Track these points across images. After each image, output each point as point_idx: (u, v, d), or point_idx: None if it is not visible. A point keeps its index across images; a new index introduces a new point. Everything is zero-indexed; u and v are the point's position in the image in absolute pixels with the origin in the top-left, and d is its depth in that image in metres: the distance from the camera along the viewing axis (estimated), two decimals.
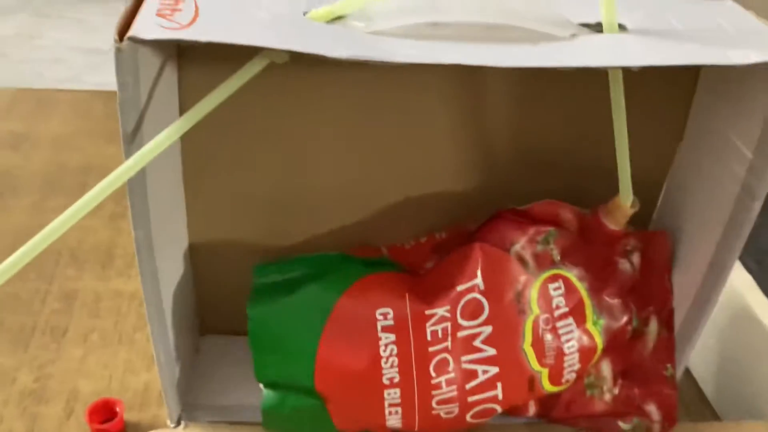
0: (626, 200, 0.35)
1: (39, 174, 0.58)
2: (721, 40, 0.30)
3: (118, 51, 0.25)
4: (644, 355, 0.38)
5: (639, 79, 0.29)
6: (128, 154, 0.27)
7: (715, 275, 0.36)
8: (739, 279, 0.42)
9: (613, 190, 0.36)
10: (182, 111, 0.33)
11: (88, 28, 2.19)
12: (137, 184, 0.29)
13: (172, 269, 0.36)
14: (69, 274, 0.49)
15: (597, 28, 0.30)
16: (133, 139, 0.27)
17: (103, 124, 0.65)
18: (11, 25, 2.17)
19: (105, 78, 1.91)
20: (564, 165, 0.38)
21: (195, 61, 0.33)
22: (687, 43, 0.29)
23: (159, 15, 0.27)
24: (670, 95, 0.37)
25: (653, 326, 0.38)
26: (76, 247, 0.51)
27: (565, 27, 0.30)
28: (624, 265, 0.38)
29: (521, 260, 0.36)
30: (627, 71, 0.30)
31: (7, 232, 0.52)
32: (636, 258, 0.38)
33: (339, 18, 0.29)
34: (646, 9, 0.32)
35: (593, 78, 0.32)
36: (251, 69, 0.28)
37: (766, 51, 0.29)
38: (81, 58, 2.03)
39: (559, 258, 0.37)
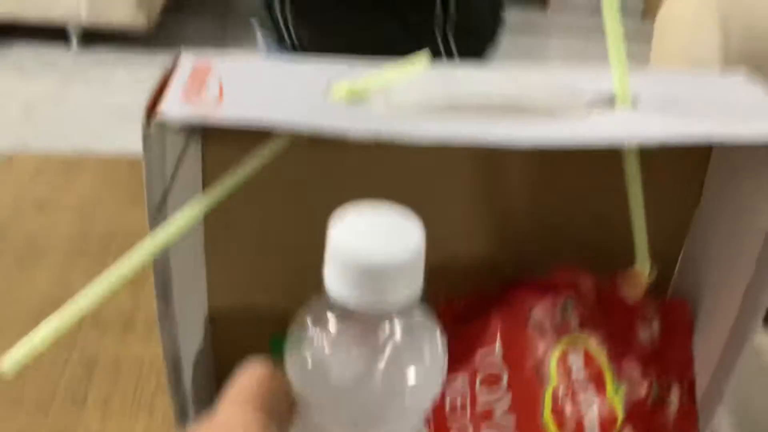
0: (644, 269, 0.35)
1: (64, 239, 0.59)
2: (735, 116, 0.30)
3: (146, 130, 0.26)
4: (666, 425, 0.38)
5: (654, 150, 0.30)
6: (154, 228, 0.28)
7: (737, 344, 0.35)
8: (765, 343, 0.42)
9: (631, 258, 0.36)
10: (205, 184, 0.34)
11: (112, 87, 2.25)
12: (161, 257, 0.29)
13: (191, 337, 0.36)
14: (90, 337, 0.50)
15: (611, 103, 0.31)
16: (158, 214, 0.28)
17: (127, 187, 0.67)
18: (39, 86, 2.24)
19: (129, 135, 1.95)
20: (582, 234, 0.38)
21: (218, 137, 0.34)
22: (701, 119, 0.30)
23: (185, 95, 0.28)
24: (686, 165, 0.37)
25: (675, 396, 0.38)
26: (98, 312, 0.52)
27: (579, 102, 0.30)
28: (644, 333, 0.38)
29: (540, 329, 0.36)
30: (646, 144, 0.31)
31: (32, 297, 0.53)
32: (656, 326, 0.38)
33: (359, 96, 0.30)
34: (659, 84, 0.33)
35: (609, 151, 0.33)
36: (273, 147, 0.29)
37: None
38: (105, 117, 2.08)
39: (578, 326, 0.36)
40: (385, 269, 0.22)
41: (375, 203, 0.24)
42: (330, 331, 0.23)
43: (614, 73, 0.29)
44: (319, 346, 0.23)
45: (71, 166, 0.70)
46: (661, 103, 0.31)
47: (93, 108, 2.14)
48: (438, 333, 0.25)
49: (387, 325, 0.23)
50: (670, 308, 0.38)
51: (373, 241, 0.22)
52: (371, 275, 0.22)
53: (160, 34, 2.53)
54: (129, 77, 2.31)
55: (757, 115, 0.30)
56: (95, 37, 2.44)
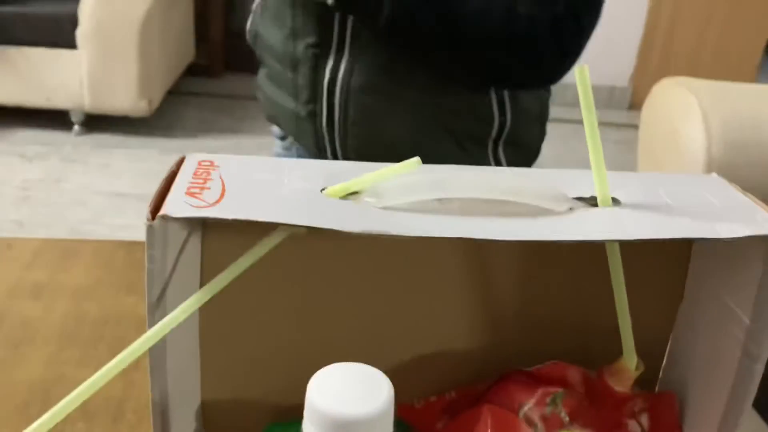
0: (630, 363, 0.36)
1: (57, 325, 0.60)
2: (710, 214, 0.32)
3: (150, 228, 0.27)
4: None
5: (637, 246, 0.31)
6: (152, 322, 0.29)
7: None
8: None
9: (618, 350, 0.37)
10: (203, 278, 0.35)
11: (111, 172, 2.29)
12: (158, 349, 0.30)
13: (184, 426, 0.36)
14: (79, 427, 0.49)
15: (592, 201, 0.32)
16: (157, 307, 0.29)
17: (124, 274, 0.67)
18: (38, 169, 2.27)
19: (125, 220, 1.97)
20: (569, 328, 0.39)
21: (218, 232, 0.35)
22: (678, 217, 0.31)
23: (188, 194, 0.29)
24: (668, 260, 0.39)
25: None
26: (87, 400, 0.51)
27: (562, 202, 0.32)
28: (634, 426, 0.38)
29: (530, 422, 0.36)
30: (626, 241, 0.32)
31: (21, 382, 0.53)
32: (645, 419, 0.38)
33: (352, 194, 0.31)
34: (638, 184, 0.34)
35: (593, 247, 0.34)
36: (270, 242, 0.30)
37: (752, 224, 0.31)
38: (103, 201, 2.11)
39: (567, 420, 0.37)
40: (357, 426, 0.24)
41: (348, 364, 0.27)
42: None
43: (595, 178, 0.31)
44: None
45: (69, 251, 0.71)
46: (640, 204, 0.32)
47: (91, 192, 2.17)
48: None
49: None
50: (658, 401, 0.38)
51: (347, 401, 0.25)
52: (345, 429, 0.24)
53: (162, 118, 2.59)
54: (128, 161, 2.35)
55: (730, 212, 0.32)
56: (97, 120, 2.50)
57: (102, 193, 2.15)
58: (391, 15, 0.66)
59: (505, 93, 0.76)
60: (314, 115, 0.78)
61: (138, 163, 2.31)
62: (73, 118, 2.47)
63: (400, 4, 0.66)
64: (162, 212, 0.27)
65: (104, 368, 0.27)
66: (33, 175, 2.24)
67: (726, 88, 1.10)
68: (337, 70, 0.74)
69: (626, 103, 2.94)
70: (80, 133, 2.50)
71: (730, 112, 1.04)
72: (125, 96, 2.36)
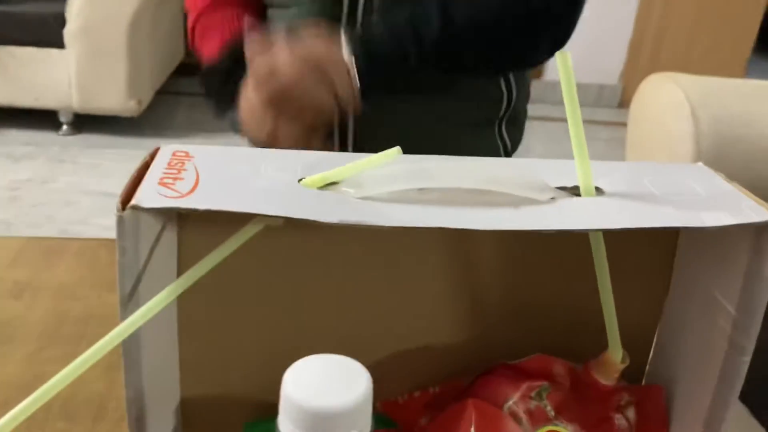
0: (616, 355, 0.36)
1: (38, 324, 0.59)
2: (695, 203, 0.31)
3: (120, 219, 0.27)
4: None
5: (622, 236, 0.31)
6: (124, 315, 0.28)
7: (713, 429, 0.35)
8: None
9: (604, 343, 0.36)
10: (180, 271, 0.35)
11: (100, 172, 2.27)
12: (132, 345, 0.29)
13: (162, 424, 0.36)
14: (59, 427, 0.48)
15: (575, 191, 0.32)
16: (129, 300, 0.28)
17: (107, 272, 0.66)
18: (27, 170, 2.25)
19: (114, 221, 1.96)
20: (554, 320, 0.39)
21: (194, 224, 0.35)
22: (662, 206, 0.31)
23: (161, 184, 0.28)
24: (653, 251, 0.38)
25: None
26: (68, 399, 0.51)
27: (545, 191, 0.31)
28: (620, 420, 0.37)
29: (515, 416, 0.36)
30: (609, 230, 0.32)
31: (1, 382, 0.52)
32: (631, 413, 0.38)
33: (331, 184, 0.31)
34: (622, 173, 0.34)
35: (577, 238, 0.34)
36: (246, 233, 0.29)
37: (738, 213, 0.30)
38: (91, 201, 2.09)
39: (553, 414, 0.36)
40: (334, 419, 0.24)
41: (325, 356, 0.26)
42: None
43: (578, 166, 0.31)
44: None
45: (52, 250, 0.70)
46: (624, 193, 0.32)
47: (79, 192, 2.15)
48: None
49: None
50: (645, 394, 0.38)
51: (323, 394, 0.24)
52: (322, 424, 0.24)
53: (152, 117, 2.58)
54: (117, 161, 2.33)
55: (716, 201, 0.31)
56: (86, 120, 2.48)
57: (91, 193, 2.14)
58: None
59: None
60: None
61: (127, 163, 2.28)
62: (62, 118, 2.46)
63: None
64: (132, 202, 0.27)
65: (72, 364, 0.26)
66: (21, 176, 2.22)
67: (715, 83, 1.10)
68: None
69: (616, 101, 2.95)
70: (69, 133, 2.48)
71: (719, 107, 1.04)
72: (114, 95, 2.35)
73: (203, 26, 0.78)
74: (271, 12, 0.78)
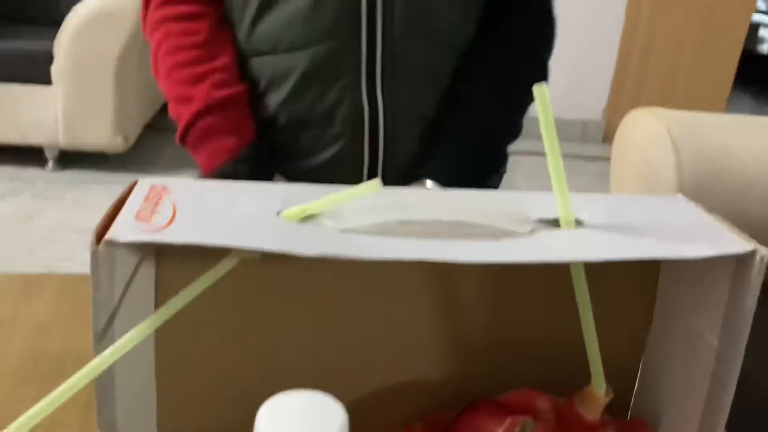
0: (599, 389, 0.35)
1: (14, 360, 0.57)
2: (675, 235, 0.31)
3: (94, 253, 0.26)
4: None
5: (604, 269, 0.30)
6: (98, 351, 0.27)
7: None
8: None
9: (588, 376, 0.36)
10: (158, 306, 0.34)
11: (86, 208, 2.26)
12: (106, 381, 0.28)
13: None
14: None
15: (555, 223, 0.32)
16: (104, 336, 0.28)
17: (87, 308, 0.65)
18: (10, 206, 2.23)
19: None
20: (537, 353, 0.38)
21: (172, 259, 0.34)
22: (643, 238, 0.31)
23: (138, 218, 0.28)
24: (635, 284, 0.38)
25: None
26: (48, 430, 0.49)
27: (525, 223, 0.31)
28: None
29: None
30: (591, 263, 0.32)
31: None
32: None
33: (311, 217, 0.30)
34: (602, 205, 0.34)
35: (558, 270, 0.34)
36: (224, 267, 0.29)
37: (717, 245, 0.30)
38: (76, 238, 2.07)
39: None
40: None
41: (300, 392, 0.25)
42: None
43: (557, 198, 0.31)
44: None
45: (32, 285, 0.69)
46: (604, 225, 0.32)
47: (64, 229, 2.14)
48: None
49: None
50: (630, 428, 0.37)
51: (296, 428, 0.24)
52: None
53: (138, 153, 2.57)
54: (103, 198, 2.32)
55: (696, 233, 0.31)
56: (72, 156, 2.47)
57: (76, 230, 2.12)
58: None
59: None
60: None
61: (113, 199, 2.27)
62: (48, 154, 2.45)
63: None
64: (107, 237, 0.26)
65: (43, 401, 0.26)
66: (5, 212, 2.20)
67: (696, 117, 1.11)
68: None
69: (600, 136, 2.98)
70: (54, 170, 2.47)
71: (701, 141, 1.05)
72: (101, 132, 2.35)
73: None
74: (259, 61, 0.72)
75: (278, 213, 0.30)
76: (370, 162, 0.73)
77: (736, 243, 0.30)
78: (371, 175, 0.74)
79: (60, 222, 2.17)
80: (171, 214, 0.29)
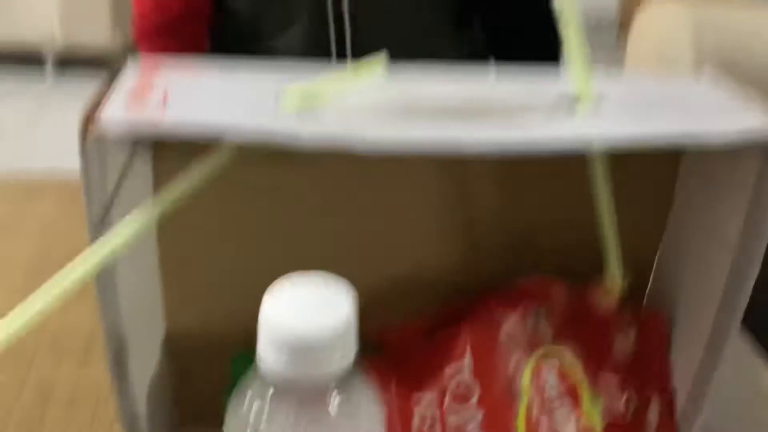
0: (616, 278, 0.34)
1: (23, 261, 0.57)
2: (700, 118, 0.29)
3: (83, 140, 0.25)
4: None
5: (622, 155, 0.29)
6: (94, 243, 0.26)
7: (714, 354, 0.34)
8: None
9: (603, 267, 0.35)
10: None
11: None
12: (105, 275, 0.28)
13: (147, 359, 0.35)
14: (47, 362, 0.47)
15: (574, 102, 0.30)
16: (100, 230, 0.27)
17: None
18: (12, 110, 2.21)
19: None
20: (551, 244, 0.37)
21: (170, 153, 0.33)
22: (667, 121, 0.29)
23: (128, 101, 0.26)
24: (656, 172, 0.36)
25: (654, 410, 0.36)
26: (57, 333, 0.50)
27: (542, 103, 0.29)
28: (619, 344, 0.36)
29: (512, 341, 0.35)
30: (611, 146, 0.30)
31: None
32: (631, 337, 0.36)
33: (311, 102, 0.29)
34: (626, 85, 0.32)
35: (575, 157, 0.32)
36: (222, 156, 0.27)
37: (744, 127, 0.28)
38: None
39: (551, 338, 0.35)
40: (316, 342, 0.22)
41: (306, 275, 0.25)
42: (267, 403, 0.24)
43: (574, 71, 0.28)
44: (257, 419, 0.24)
45: (34, 189, 0.68)
46: (625, 105, 0.30)
47: (66, 132, 2.12)
48: (374, 402, 0.25)
49: (323, 397, 0.24)
50: (645, 319, 0.37)
51: (303, 315, 0.23)
52: (303, 348, 0.22)
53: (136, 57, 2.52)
54: None
55: (722, 116, 0.29)
56: (71, 62, 2.43)
57: (77, 134, 2.10)
58: None
59: None
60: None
61: None
62: (47, 58, 2.40)
63: None
64: (97, 120, 0.25)
65: (44, 288, 0.25)
66: (7, 116, 2.18)
67: (717, 5, 1.06)
68: None
69: (613, 24, 2.89)
70: (54, 75, 2.43)
71: (723, 32, 1.01)
72: (99, 29, 2.29)
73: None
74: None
75: (277, 99, 0.28)
76: (338, 49, 0.72)
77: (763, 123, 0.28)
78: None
79: (61, 126, 2.14)
80: (162, 100, 0.27)
